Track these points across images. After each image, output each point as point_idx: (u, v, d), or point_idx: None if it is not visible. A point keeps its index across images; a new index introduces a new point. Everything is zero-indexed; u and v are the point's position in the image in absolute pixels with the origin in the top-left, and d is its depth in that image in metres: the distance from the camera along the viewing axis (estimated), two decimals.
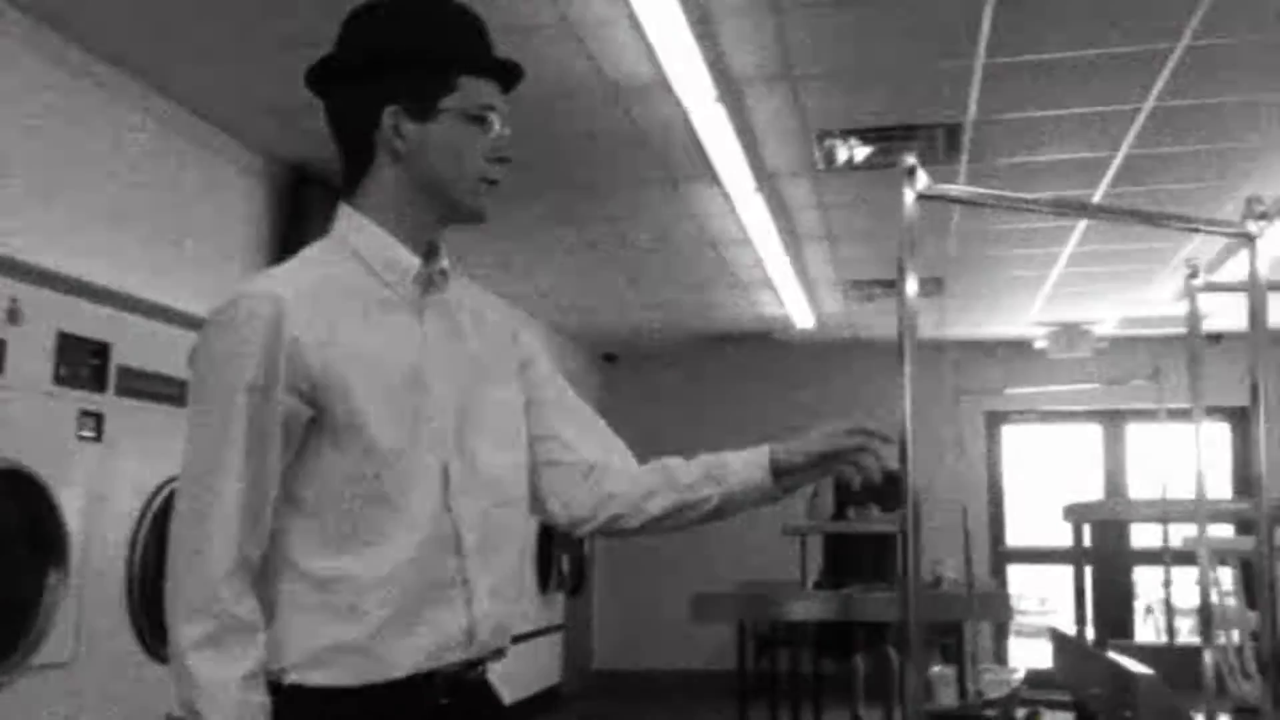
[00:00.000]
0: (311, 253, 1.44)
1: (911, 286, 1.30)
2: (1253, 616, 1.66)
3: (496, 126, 1.43)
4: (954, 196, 1.28)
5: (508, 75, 1.47)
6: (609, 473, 1.57)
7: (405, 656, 1.34)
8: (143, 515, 3.23)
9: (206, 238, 4.14)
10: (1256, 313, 1.32)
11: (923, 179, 1.31)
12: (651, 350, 8.68)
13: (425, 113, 1.40)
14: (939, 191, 1.32)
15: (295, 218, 4.47)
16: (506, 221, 5.26)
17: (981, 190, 1.33)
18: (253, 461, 1.31)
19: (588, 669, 8.58)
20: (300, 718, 1.31)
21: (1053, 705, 3.31)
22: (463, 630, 1.39)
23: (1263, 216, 1.32)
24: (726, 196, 4.86)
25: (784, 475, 1.53)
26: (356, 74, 1.43)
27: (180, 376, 3.35)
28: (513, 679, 7.08)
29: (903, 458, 1.36)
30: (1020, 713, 2.91)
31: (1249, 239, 1.33)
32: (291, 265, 1.43)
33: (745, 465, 1.53)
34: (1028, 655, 7.75)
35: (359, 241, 1.42)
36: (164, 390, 3.30)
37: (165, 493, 3.28)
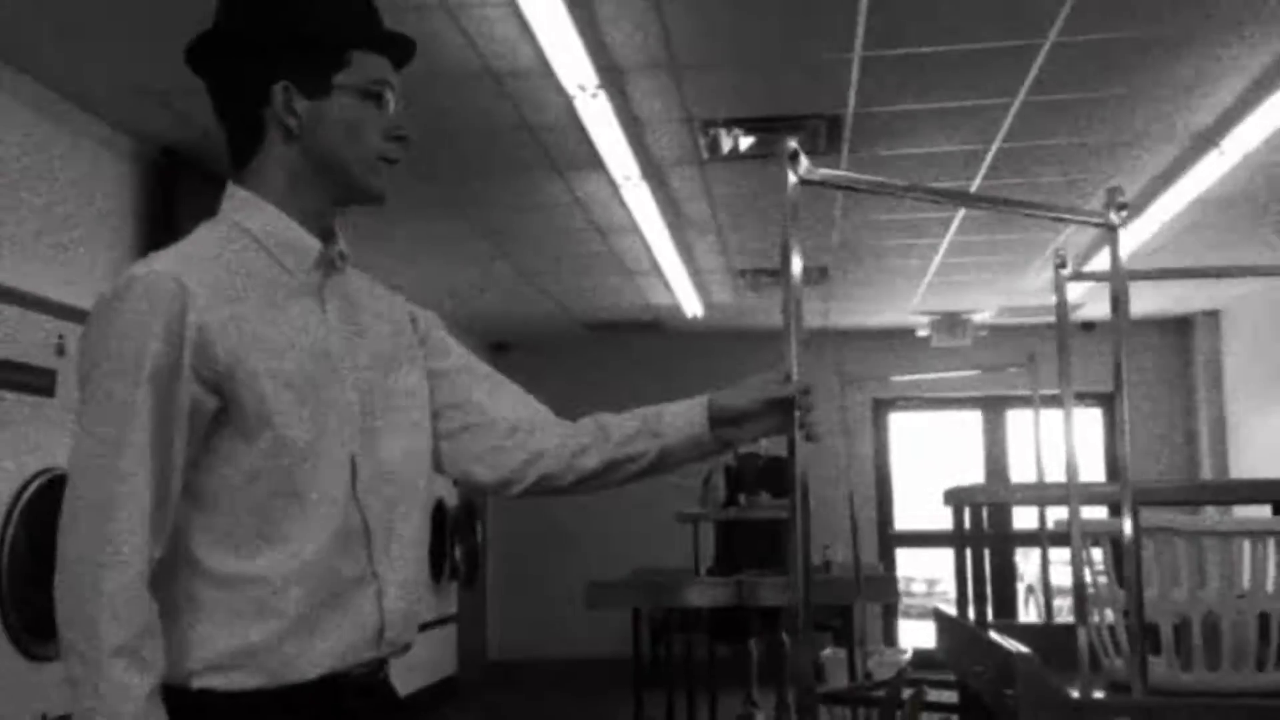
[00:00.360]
0: (203, 235, 1.36)
1: (796, 270, 1.31)
2: (1123, 595, 1.71)
3: (392, 103, 1.38)
4: (834, 182, 1.29)
5: (400, 51, 1.42)
6: (536, 430, 1.52)
7: (318, 657, 1.29)
8: (10, 511, 3.11)
9: (72, 223, 3.97)
10: (1118, 301, 1.36)
11: (804, 164, 1.31)
12: (542, 339, 8.64)
13: (318, 89, 1.34)
14: (820, 176, 1.33)
15: (167, 202, 4.32)
16: (389, 208, 5.16)
17: (860, 175, 1.34)
18: (158, 454, 1.24)
19: (483, 659, 8.53)
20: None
21: (937, 685, 3.38)
22: (375, 627, 1.34)
23: (1123, 208, 1.36)
24: (612, 185, 4.85)
25: (723, 425, 1.47)
26: (243, 49, 1.36)
27: (47, 366, 3.22)
28: (407, 671, 6.98)
29: (791, 443, 1.36)
30: (906, 692, 2.97)
31: (1110, 229, 1.36)
32: (184, 247, 1.34)
33: (682, 417, 1.48)
34: (916, 636, 7.94)
35: (253, 223, 1.35)
36: (30, 380, 3.17)
37: (34, 488, 3.16)
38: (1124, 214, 1.36)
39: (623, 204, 5.13)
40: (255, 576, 1.27)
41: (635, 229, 5.55)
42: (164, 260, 1.30)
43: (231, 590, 1.27)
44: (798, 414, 1.37)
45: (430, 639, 7.36)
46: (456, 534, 7.78)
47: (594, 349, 8.70)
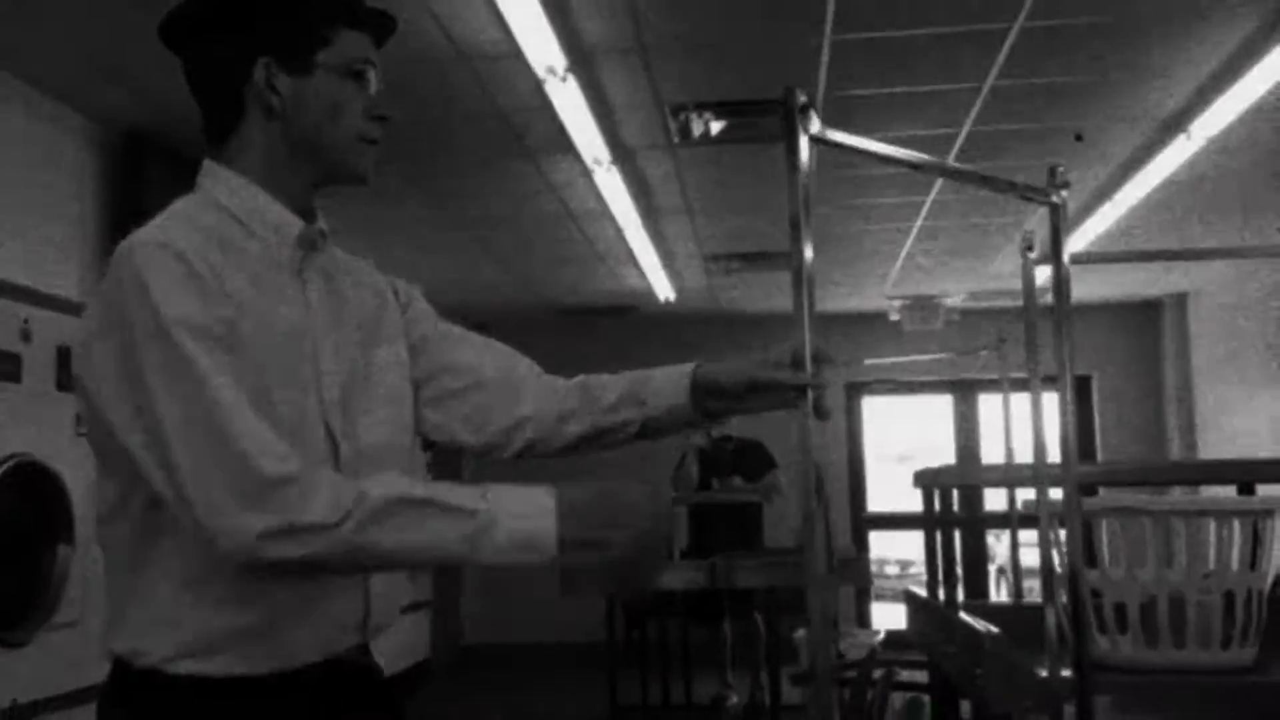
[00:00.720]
0: (182, 208, 1.32)
1: (808, 242, 1.24)
2: (1092, 575, 1.73)
3: (374, 83, 1.36)
4: (846, 144, 1.23)
5: (380, 29, 1.40)
6: (522, 394, 1.48)
7: (303, 644, 1.27)
8: None
9: (34, 207, 3.91)
10: (1061, 282, 1.35)
11: (815, 122, 1.24)
12: (515, 324, 8.59)
13: (301, 67, 1.32)
14: (832, 137, 1.24)
15: (131, 187, 4.25)
16: (360, 192, 5.12)
17: (870, 141, 1.27)
18: (241, 384, 1.20)
19: (457, 644, 8.52)
20: (192, 711, 1.23)
21: (908, 665, 3.41)
22: (360, 614, 1.33)
23: (1064, 185, 1.35)
24: (583, 169, 4.84)
25: (710, 397, 1.43)
26: (223, 24, 1.33)
27: (12, 350, 3.17)
28: (381, 656, 6.98)
29: (803, 425, 1.28)
30: (877, 672, 2.99)
31: (1053, 207, 1.36)
32: (169, 217, 1.30)
33: (666, 386, 1.44)
34: (889, 618, 7.99)
35: (234, 201, 1.32)
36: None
37: None
38: (1065, 192, 1.35)
39: (594, 188, 5.11)
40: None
41: (607, 213, 5.54)
42: (158, 227, 1.27)
43: (216, 572, 1.23)
44: (811, 393, 1.26)
45: (403, 624, 7.33)
46: None
47: (567, 333, 8.68)
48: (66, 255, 3.95)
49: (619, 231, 5.87)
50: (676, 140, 4.61)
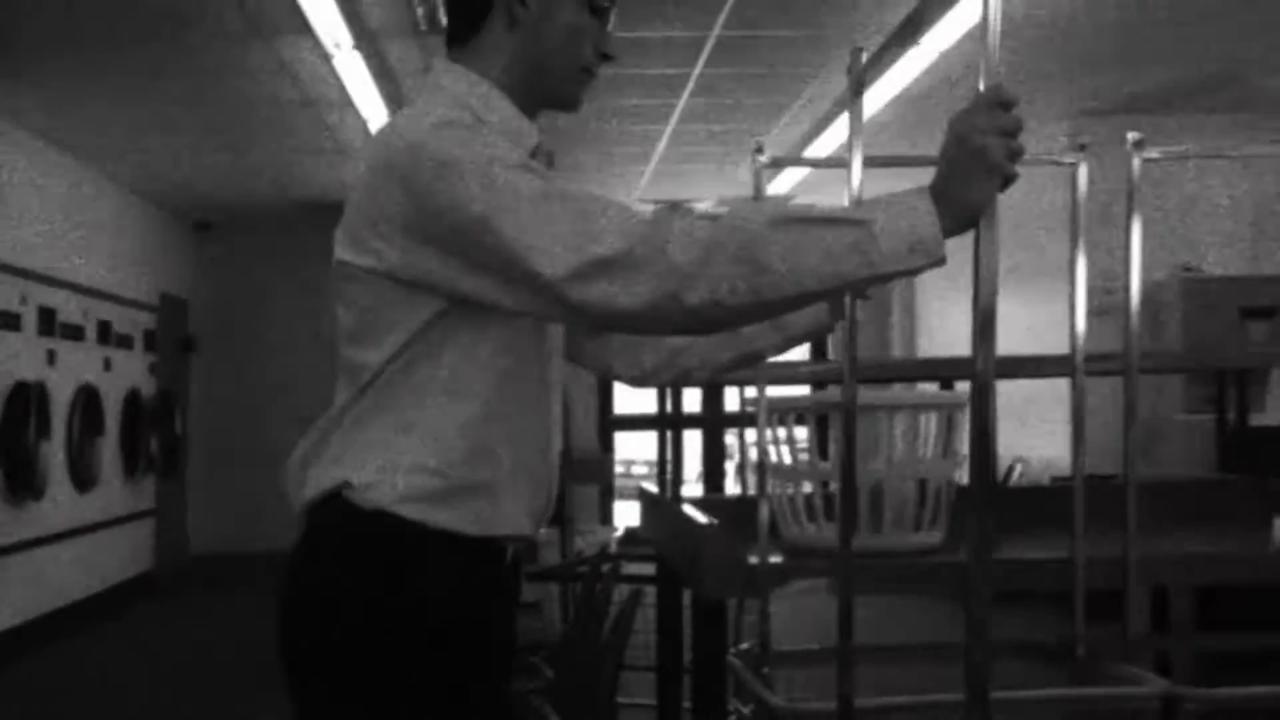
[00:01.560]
0: (433, 101, 1.37)
1: None
2: (824, 467, 1.81)
3: (610, 22, 1.43)
4: None
5: None
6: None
7: (504, 516, 1.35)
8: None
9: None
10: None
11: None
12: (251, 218, 8.19)
13: None
14: None
15: None
16: (80, 69, 4.68)
17: None
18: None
19: (184, 554, 8.19)
20: (410, 553, 1.31)
21: (639, 559, 3.51)
22: (548, 495, 1.43)
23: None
24: (323, 53, 4.59)
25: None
26: None
27: None
28: (102, 566, 6.65)
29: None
30: (606, 567, 3.07)
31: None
32: (423, 110, 1.35)
33: (807, 312, 1.49)
34: (632, 516, 8.21)
35: (482, 106, 1.38)
36: None
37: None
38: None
39: (335, 75, 4.87)
40: (483, 422, 1.33)
41: (350, 103, 5.30)
42: (419, 115, 1.33)
43: (463, 429, 1.32)
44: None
45: (125, 533, 7.02)
46: (154, 425, 7.38)
47: (309, 228, 8.32)
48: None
49: (363, 123, 5.64)
50: (424, 28, 4.42)
